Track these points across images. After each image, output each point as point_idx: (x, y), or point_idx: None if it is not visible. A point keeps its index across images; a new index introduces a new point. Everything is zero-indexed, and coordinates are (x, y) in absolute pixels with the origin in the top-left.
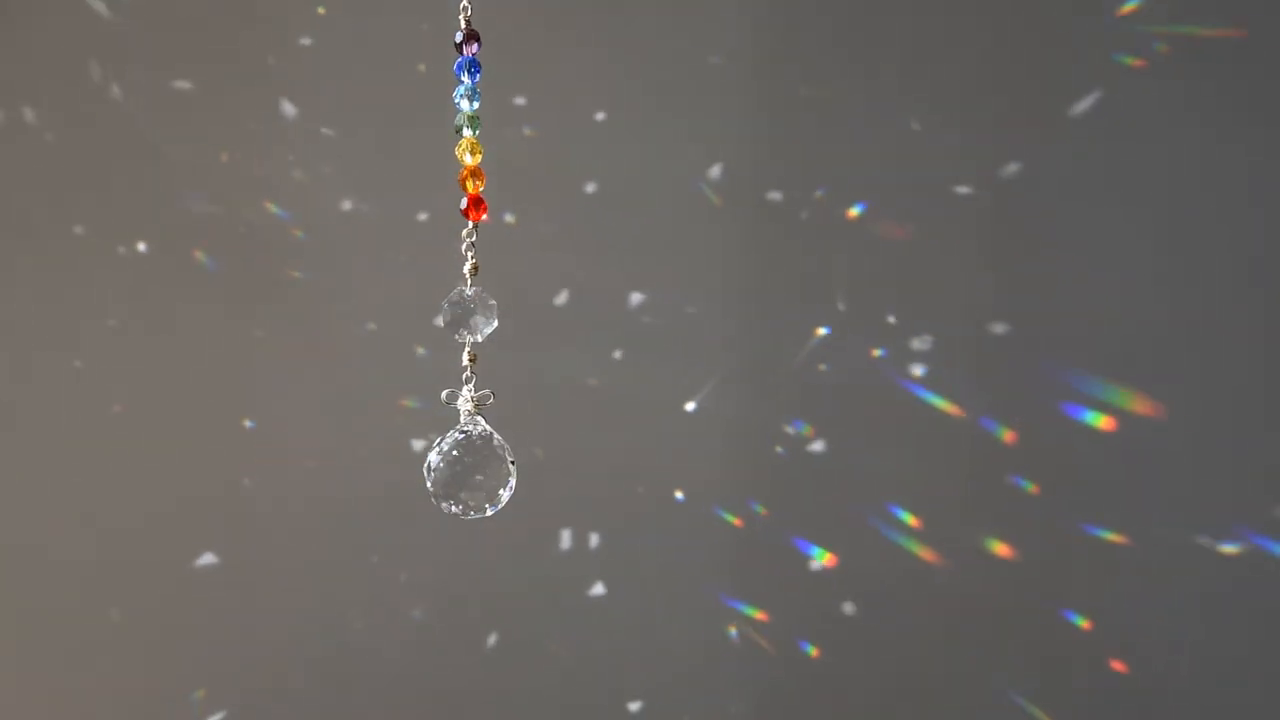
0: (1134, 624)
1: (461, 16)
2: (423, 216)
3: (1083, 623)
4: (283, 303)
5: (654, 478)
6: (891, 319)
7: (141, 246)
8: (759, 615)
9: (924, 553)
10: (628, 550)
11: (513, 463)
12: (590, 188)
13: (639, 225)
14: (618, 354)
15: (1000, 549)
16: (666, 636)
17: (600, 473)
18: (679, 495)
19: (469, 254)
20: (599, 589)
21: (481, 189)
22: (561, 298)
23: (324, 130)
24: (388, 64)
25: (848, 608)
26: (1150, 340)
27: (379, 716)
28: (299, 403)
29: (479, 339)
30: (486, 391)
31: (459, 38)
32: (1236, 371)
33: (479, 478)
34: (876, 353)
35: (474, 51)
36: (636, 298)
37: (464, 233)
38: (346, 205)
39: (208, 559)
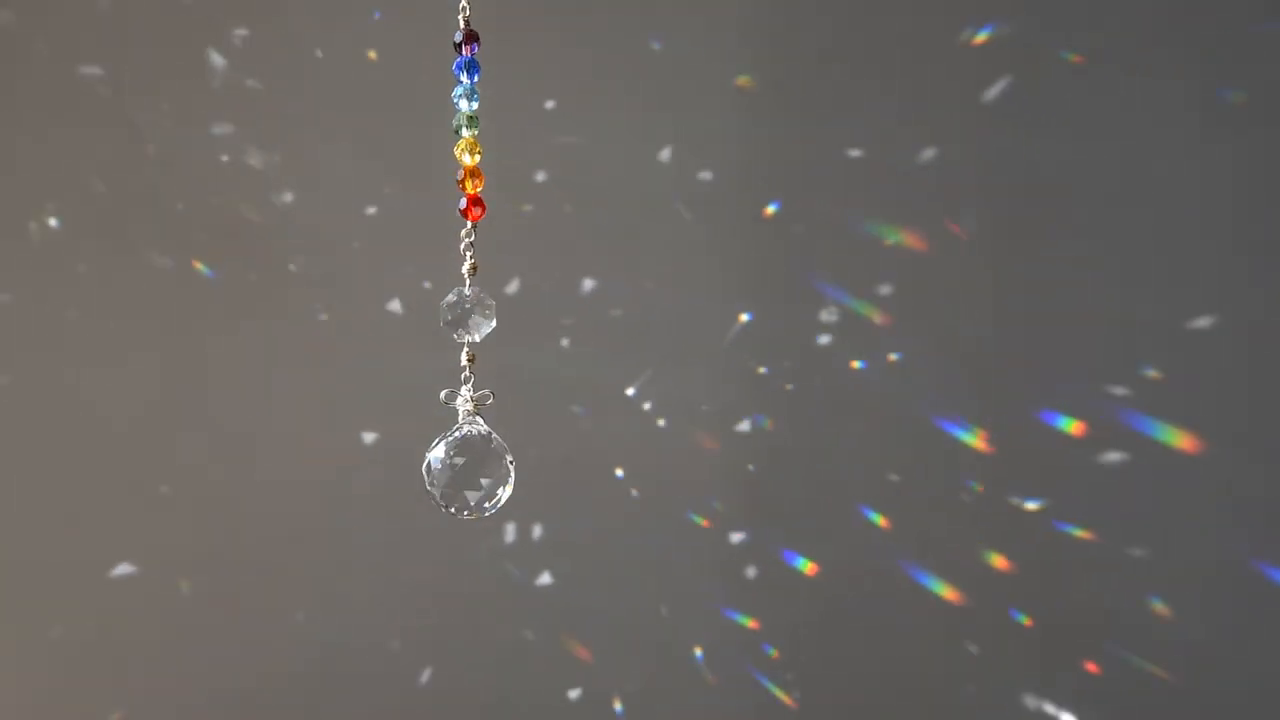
0: (1113, 625)
1: (460, 16)
2: (421, 215)
3: (1062, 623)
4: (281, 301)
5: (640, 480)
6: (878, 320)
7: (53, 222)
8: (751, 623)
9: (904, 556)
10: (620, 552)
11: (511, 462)
12: (543, 178)
13: (609, 222)
14: (614, 354)
15: (981, 552)
16: (655, 639)
17: (582, 473)
18: (658, 497)
19: (467, 254)
20: (591, 591)
21: (480, 189)
22: (518, 289)
23: (313, 125)
24: (362, 57)
25: (830, 612)
26: (1137, 344)
27: None
28: (293, 404)
29: (477, 339)
30: (485, 391)
31: (458, 38)
32: (1226, 375)
33: (477, 478)
34: (857, 364)
35: (473, 51)
36: (634, 301)
37: (462, 233)
38: (339, 202)
39: (125, 569)
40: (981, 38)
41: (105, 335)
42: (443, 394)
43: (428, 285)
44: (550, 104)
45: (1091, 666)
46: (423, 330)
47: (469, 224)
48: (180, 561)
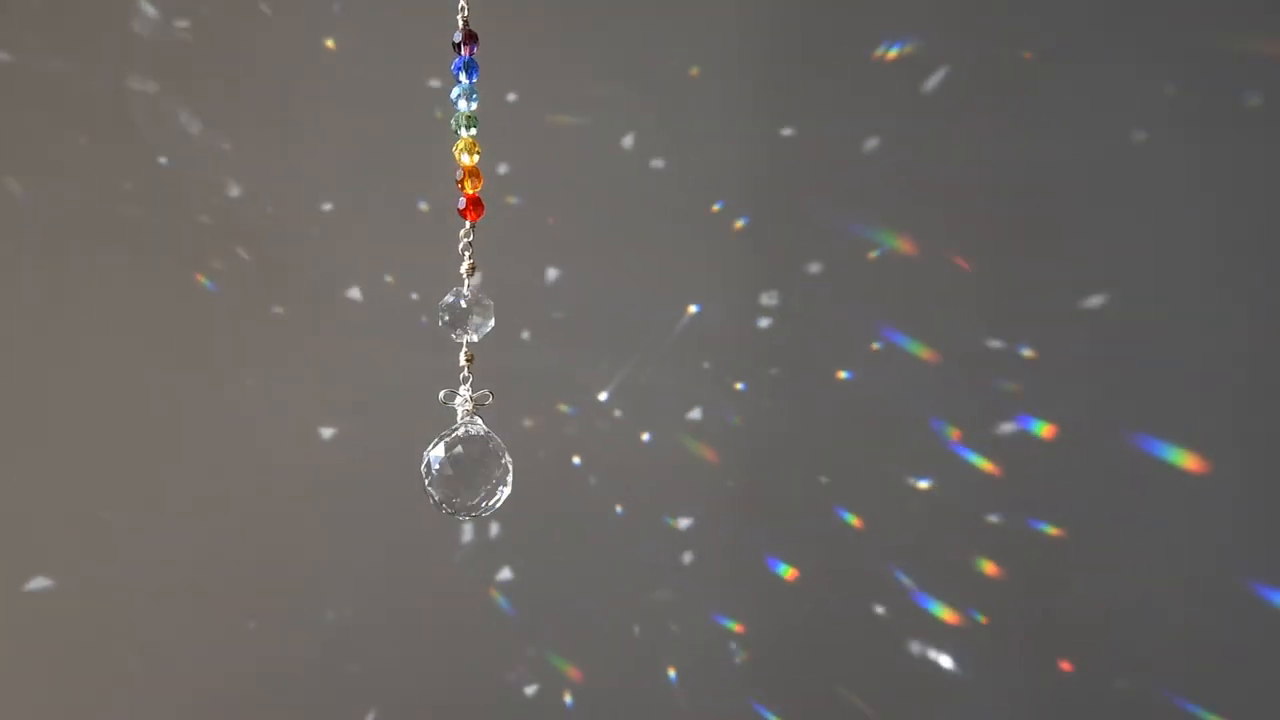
0: (1081, 624)
1: (459, 16)
2: (412, 214)
3: (1037, 621)
4: (274, 301)
5: (610, 478)
6: (863, 323)
7: None
8: (736, 628)
9: (886, 560)
10: (590, 554)
11: (509, 463)
12: (504, 170)
13: (573, 214)
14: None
15: (964, 557)
16: (624, 638)
17: (550, 472)
18: (629, 507)
19: (465, 254)
20: (581, 591)
21: (479, 189)
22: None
23: (312, 124)
24: (334, 52)
25: (808, 617)
26: (1126, 347)
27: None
28: (293, 404)
29: (475, 339)
30: (484, 391)
31: (457, 37)
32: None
33: (476, 478)
34: (843, 375)
35: (472, 51)
36: (610, 298)
37: (461, 233)
38: (333, 199)
39: (40, 582)
40: (908, 46)
41: (109, 337)
42: (441, 394)
43: (389, 279)
44: (512, 96)
45: (1065, 665)
46: (417, 329)
47: (467, 224)
48: (158, 568)
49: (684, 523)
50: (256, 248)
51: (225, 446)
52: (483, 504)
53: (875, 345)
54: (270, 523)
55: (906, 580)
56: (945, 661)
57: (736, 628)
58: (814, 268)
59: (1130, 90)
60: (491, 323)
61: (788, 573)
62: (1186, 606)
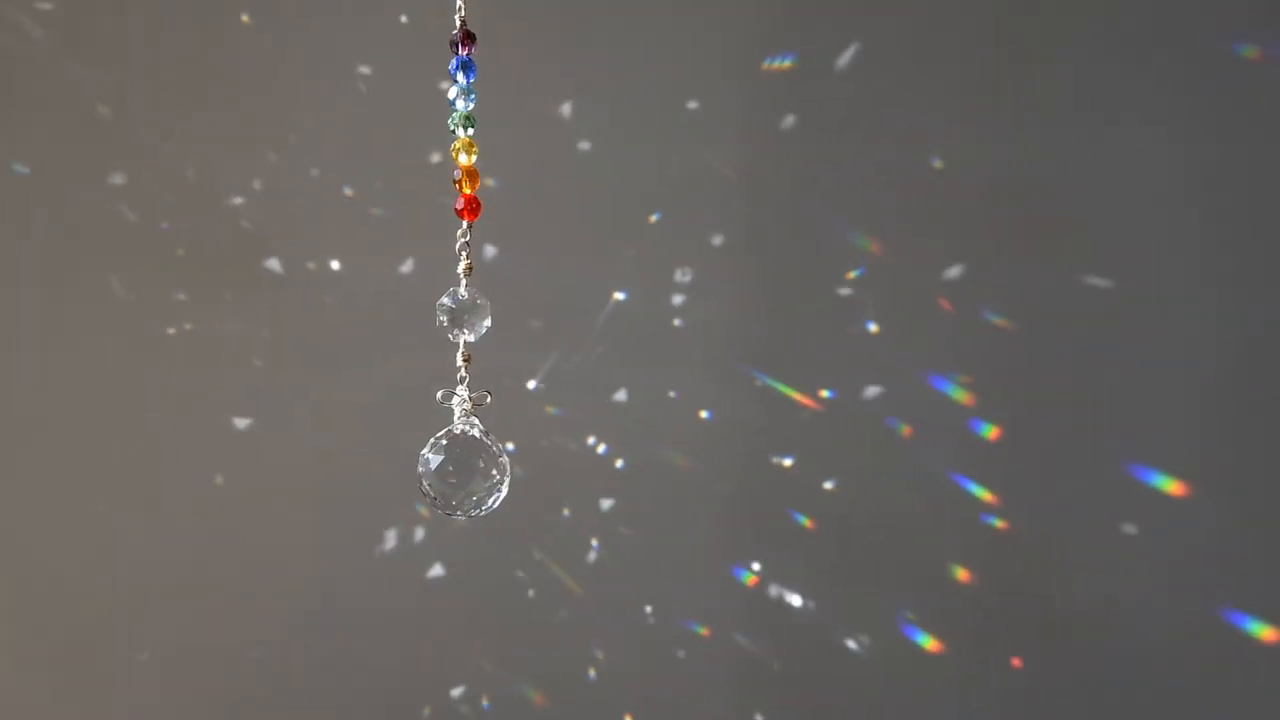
0: (1042, 619)
1: (457, 16)
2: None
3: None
4: (268, 299)
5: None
6: (836, 321)
7: None
8: (704, 631)
9: (854, 565)
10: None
11: (506, 463)
12: (438, 159)
13: (522, 204)
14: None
15: (938, 560)
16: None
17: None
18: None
19: (462, 254)
20: (572, 593)
21: (477, 189)
22: (411, 268)
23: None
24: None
25: (791, 615)
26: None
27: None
28: (293, 404)
29: (473, 339)
30: (482, 391)
31: (455, 37)
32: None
33: (474, 478)
34: (826, 393)
35: (469, 52)
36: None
37: (458, 233)
38: (331, 199)
39: (39, 583)
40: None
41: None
42: (439, 394)
43: (385, 279)
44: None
45: (1016, 662)
46: (415, 329)
47: (465, 224)
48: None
49: (652, 526)
50: (254, 246)
51: (225, 447)
52: (479, 504)
53: (852, 328)
54: (270, 523)
55: (874, 583)
56: (921, 661)
57: (703, 631)
58: (801, 268)
59: (1129, 90)
60: (488, 322)
61: (749, 578)
62: (1154, 612)
